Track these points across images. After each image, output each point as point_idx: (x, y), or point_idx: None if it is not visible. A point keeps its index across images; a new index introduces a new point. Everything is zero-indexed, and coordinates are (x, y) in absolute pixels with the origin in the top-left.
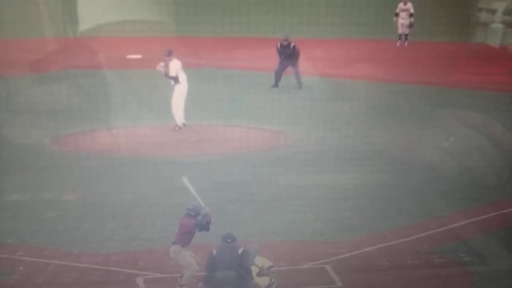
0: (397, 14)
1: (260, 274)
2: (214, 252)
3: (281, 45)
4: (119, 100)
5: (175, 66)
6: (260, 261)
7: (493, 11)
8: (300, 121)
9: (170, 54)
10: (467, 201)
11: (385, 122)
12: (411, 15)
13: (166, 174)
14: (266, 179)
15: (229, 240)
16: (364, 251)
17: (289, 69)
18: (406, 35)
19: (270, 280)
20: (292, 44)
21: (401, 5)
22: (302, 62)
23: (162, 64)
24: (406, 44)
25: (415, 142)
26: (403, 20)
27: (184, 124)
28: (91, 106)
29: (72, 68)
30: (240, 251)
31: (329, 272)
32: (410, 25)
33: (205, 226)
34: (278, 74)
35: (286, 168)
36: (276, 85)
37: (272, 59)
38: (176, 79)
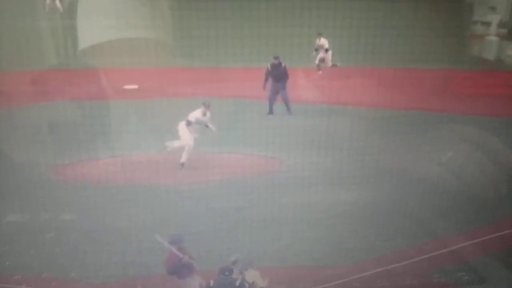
0: (316, 50)
1: None
2: (212, 283)
3: (272, 65)
4: (115, 129)
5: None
6: (252, 276)
7: (487, 24)
8: (293, 147)
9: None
10: (467, 221)
11: (379, 146)
12: (326, 50)
13: (162, 201)
14: (262, 205)
15: (226, 273)
16: (363, 275)
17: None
18: (335, 64)
19: None
20: (283, 64)
21: (317, 41)
22: (294, 90)
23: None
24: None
25: (410, 164)
26: (322, 55)
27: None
28: (88, 136)
29: (68, 99)
30: (237, 283)
31: None
32: (325, 58)
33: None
34: (272, 100)
35: (281, 194)
36: (270, 112)
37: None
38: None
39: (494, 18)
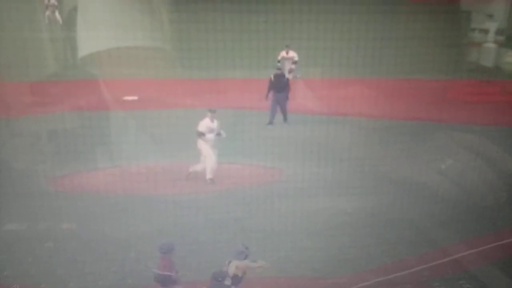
0: (279, 62)
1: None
2: None
3: (275, 76)
4: (114, 140)
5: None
6: (233, 269)
7: (485, 31)
8: (293, 157)
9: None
10: (468, 230)
11: (378, 157)
12: (294, 62)
13: (161, 212)
14: (261, 215)
15: (219, 279)
16: (364, 285)
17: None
18: (295, 76)
19: None
20: (286, 76)
21: (283, 53)
22: (294, 101)
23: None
24: (298, 77)
25: (410, 174)
26: (290, 67)
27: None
28: (87, 147)
29: (67, 110)
30: None
31: None
32: (296, 73)
33: None
34: (274, 111)
35: (281, 204)
36: (271, 122)
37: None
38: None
39: (492, 26)
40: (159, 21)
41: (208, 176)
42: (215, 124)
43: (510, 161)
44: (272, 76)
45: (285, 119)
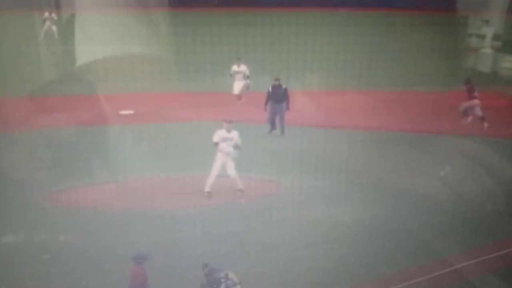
0: (231, 75)
1: None
2: None
3: (273, 86)
4: (110, 155)
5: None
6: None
7: (482, 37)
8: (290, 170)
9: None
10: (468, 241)
11: (377, 169)
12: (247, 76)
13: (158, 226)
14: (259, 229)
15: (214, 286)
16: None
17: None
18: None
19: None
20: (284, 86)
21: (235, 67)
22: (292, 113)
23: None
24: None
25: (408, 185)
26: (238, 82)
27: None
28: (83, 162)
29: (64, 125)
30: None
31: None
32: (247, 87)
33: None
34: (272, 121)
35: (279, 218)
36: (273, 128)
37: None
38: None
39: (488, 31)
40: (155, 34)
41: (206, 189)
42: (232, 135)
43: (509, 171)
44: (270, 87)
45: (282, 131)
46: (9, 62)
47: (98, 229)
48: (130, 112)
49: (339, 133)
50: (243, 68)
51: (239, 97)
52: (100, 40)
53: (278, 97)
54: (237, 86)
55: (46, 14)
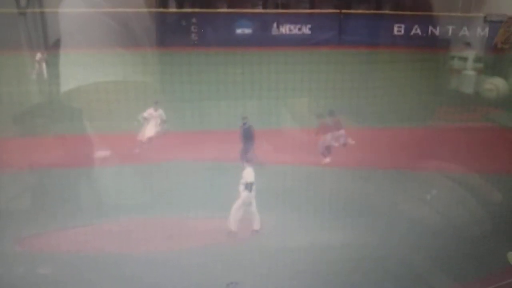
0: (146, 119)
1: None
2: None
3: (241, 126)
4: (84, 198)
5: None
6: None
7: (464, 59)
8: (273, 207)
9: None
10: (464, 273)
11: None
12: (163, 121)
13: (134, 272)
14: (241, 272)
15: None
16: None
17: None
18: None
19: None
20: (249, 125)
21: (150, 110)
22: (272, 151)
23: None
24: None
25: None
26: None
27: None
28: (56, 206)
29: (36, 167)
30: None
31: None
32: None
33: None
34: (243, 157)
35: (262, 259)
36: (246, 161)
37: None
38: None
39: (470, 54)
40: (141, 73)
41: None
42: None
43: (500, 204)
44: (240, 126)
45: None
46: None
47: (72, 274)
48: (106, 153)
49: (321, 171)
50: (160, 112)
51: (146, 142)
52: (86, 79)
53: (245, 136)
54: (150, 128)
55: (38, 55)
